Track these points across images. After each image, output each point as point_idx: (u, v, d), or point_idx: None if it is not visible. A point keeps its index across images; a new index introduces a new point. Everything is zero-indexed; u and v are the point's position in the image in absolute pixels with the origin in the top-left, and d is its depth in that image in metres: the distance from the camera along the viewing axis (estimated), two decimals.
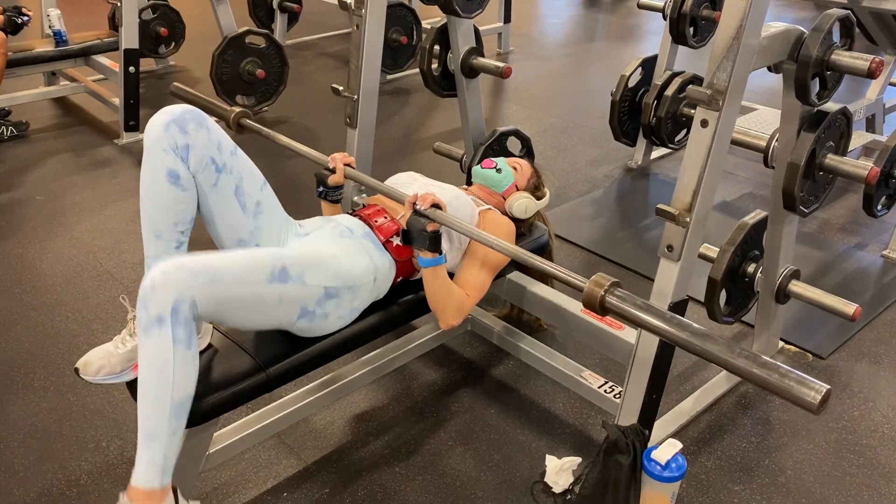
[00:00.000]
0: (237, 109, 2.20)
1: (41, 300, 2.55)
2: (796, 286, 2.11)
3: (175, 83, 2.43)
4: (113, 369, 1.57)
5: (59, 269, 2.73)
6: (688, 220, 1.64)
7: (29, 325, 2.42)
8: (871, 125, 3.57)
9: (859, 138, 3.30)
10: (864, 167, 1.86)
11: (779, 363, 1.20)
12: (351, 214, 1.91)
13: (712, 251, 2.14)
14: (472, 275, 1.87)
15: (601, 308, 1.40)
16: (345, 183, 1.99)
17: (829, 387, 1.15)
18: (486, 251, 1.90)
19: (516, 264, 2.13)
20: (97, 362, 1.56)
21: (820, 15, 1.76)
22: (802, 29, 1.70)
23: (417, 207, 1.71)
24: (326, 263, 1.62)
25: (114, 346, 1.59)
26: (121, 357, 1.58)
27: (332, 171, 1.95)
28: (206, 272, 1.37)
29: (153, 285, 1.33)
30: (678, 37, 3.20)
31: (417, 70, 2.78)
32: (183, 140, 1.52)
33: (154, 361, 1.34)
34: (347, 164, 1.96)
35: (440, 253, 1.74)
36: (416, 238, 1.74)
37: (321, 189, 1.99)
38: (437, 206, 1.72)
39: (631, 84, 3.35)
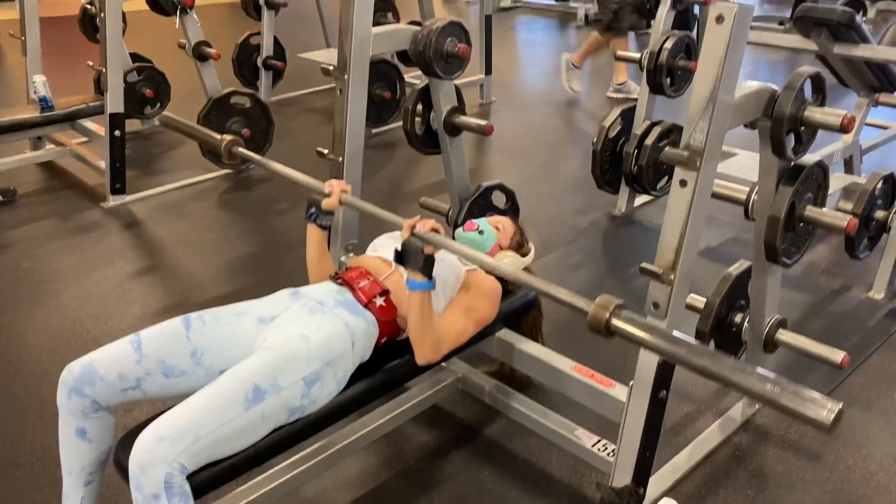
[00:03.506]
0: (228, 138, 2.14)
1: (27, 371, 2.52)
2: (783, 335, 2.12)
3: (165, 112, 2.38)
4: None
5: (45, 338, 2.71)
6: (672, 277, 1.66)
7: (15, 397, 2.39)
8: (849, 166, 3.63)
9: (839, 181, 3.34)
10: (843, 219, 1.89)
11: (790, 382, 1.15)
12: (332, 278, 1.91)
13: (699, 301, 2.15)
14: (455, 318, 1.87)
15: (607, 331, 1.34)
16: (336, 210, 1.95)
17: (841, 404, 1.11)
18: (471, 301, 1.91)
19: (504, 321, 2.14)
20: None
21: (792, 72, 1.80)
22: (775, 87, 1.74)
23: (417, 230, 1.69)
24: (296, 353, 1.61)
25: None
26: None
27: (327, 195, 1.93)
28: (184, 435, 1.42)
29: (141, 467, 1.39)
30: (655, 87, 3.26)
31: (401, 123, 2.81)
32: (84, 401, 1.60)
33: None
34: (344, 191, 1.93)
35: (431, 278, 1.71)
36: (410, 258, 1.70)
37: (312, 211, 1.96)
38: (436, 230, 1.69)
39: (611, 134, 3.41)
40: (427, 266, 1.68)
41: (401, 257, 1.72)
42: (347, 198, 1.92)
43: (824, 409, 1.10)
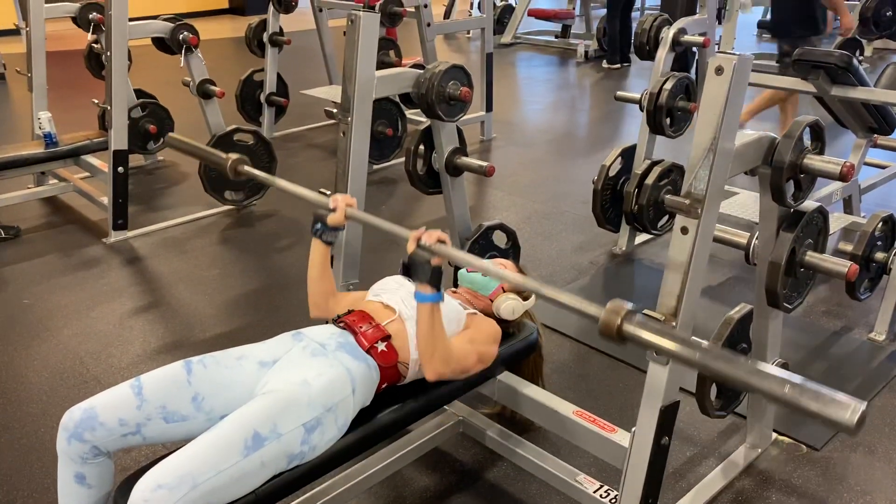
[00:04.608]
0: (234, 157, 2.10)
1: (26, 410, 2.51)
2: None
3: (171, 133, 2.34)
4: None
5: (45, 376, 2.70)
6: (674, 324, 1.66)
7: (13, 437, 2.38)
8: (848, 205, 3.65)
9: (838, 220, 3.36)
10: (844, 265, 1.90)
11: (809, 382, 1.11)
12: (335, 322, 1.91)
13: None
14: (460, 343, 1.87)
15: (619, 336, 1.30)
16: (343, 225, 1.93)
17: (865, 404, 1.06)
18: (476, 332, 1.92)
19: (505, 364, 2.13)
20: None
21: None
22: (774, 135, 1.76)
23: (423, 242, 1.68)
24: (297, 398, 1.61)
25: None
26: None
27: (332, 210, 1.91)
28: (182, 483, 1.42)
29: None
30: (655, 127, 3.29)
31: (403, 159, 2.83)
32: (84, 447, 1.59)
33: None
34: (349, 206, 1.91)
35: (439, 290, 1.71)
36: (417, 271, 1.70)
37: (318, 227, 1.94)
38: (442, 241, 1.68)
39: (612, 173, 3.43)
40: (435, 277, 1.68)
41: (408, 270, 1.71)
42: (353, 212, 1.90)
43: (847, 409, 1.04)
